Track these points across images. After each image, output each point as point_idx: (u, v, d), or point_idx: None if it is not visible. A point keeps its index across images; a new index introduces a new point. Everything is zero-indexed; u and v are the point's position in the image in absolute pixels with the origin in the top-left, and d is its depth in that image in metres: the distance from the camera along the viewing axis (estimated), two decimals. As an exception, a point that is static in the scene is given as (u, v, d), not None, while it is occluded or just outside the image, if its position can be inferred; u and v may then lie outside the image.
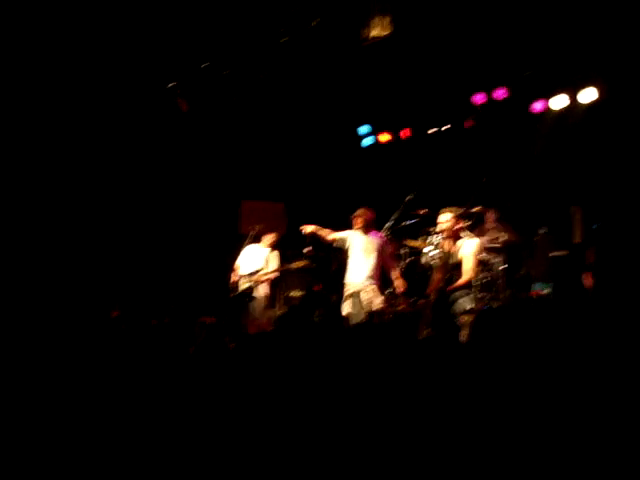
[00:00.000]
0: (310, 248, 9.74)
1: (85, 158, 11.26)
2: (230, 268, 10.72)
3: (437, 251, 8.98)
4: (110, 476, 3.00)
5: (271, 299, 10.92)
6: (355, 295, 8.89)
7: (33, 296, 9.30)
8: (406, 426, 2.89)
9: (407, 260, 10.43)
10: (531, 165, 10.56)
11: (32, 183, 10.81)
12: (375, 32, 8.57)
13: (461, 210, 8.72)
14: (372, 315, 8.45)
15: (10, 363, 3.92)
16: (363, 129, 12.25)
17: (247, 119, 11.80)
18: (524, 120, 10.34)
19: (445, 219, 8.19)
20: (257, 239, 10.74)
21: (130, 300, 10.31)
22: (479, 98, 10.42)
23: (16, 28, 9.63)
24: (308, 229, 9.06)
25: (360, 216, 8.98)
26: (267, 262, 10.57)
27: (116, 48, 10.30)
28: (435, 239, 9.81)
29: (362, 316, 8.77)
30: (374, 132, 12.20)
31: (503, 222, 10.79)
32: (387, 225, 9.77)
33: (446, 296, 8.01)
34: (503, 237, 10.36)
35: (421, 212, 10.35)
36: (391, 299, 9.90)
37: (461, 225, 8.40)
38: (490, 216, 10.83)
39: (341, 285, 9.29)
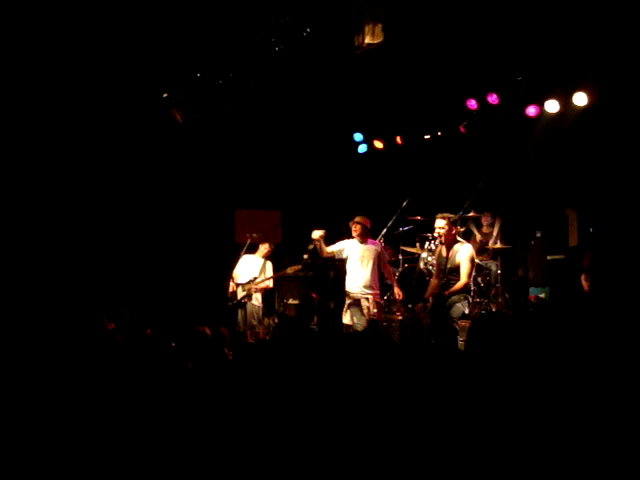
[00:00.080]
0: (307, 256, 9.72)
1: (80, 169, 11.25)
2: (226, 277, 10.72)
3: (434, 257, 9.01)
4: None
5: (268, 308, 10.93)
6: (355, 304, 8.90)
7: (26, 307, 9.27)
8: (404, 433, 2.89)
9: (404, 266, 10.45)
10: (526, 169, 10.58)
11: (26, 189, 10.80)
12: (367, 40, 8.59)
13: (457, 216, 8.77)
14: (372, 322, 8.48)
15: (6, 373, 3.91)
16: (357, 136, 12.27)
17: (241, 128, 11.80)
18: (518, 124, 10.35)
19: (441, 225, 8.22)
20: (253, 248, 10.75)
21: (126, 310, 10.28)
22: (473, 103, 10.44)
23: (11, 39, 9.65)
24: (318, 234, 9.01)
25: (358, 223, 9.00)
26: (262, 272, 10.60)
27: (110, 59, 10.31)
28: (432, 245, 9.85)
29: (363, 324, 8.79)
30: (368, 139, 12.21)
31: (497, 227, 10.81)
32: (383, 231, 9.80)
33: (443, 301, 8.04)
34: (498, 242, 10.40)
35: (417, 218, 10.38)
36: (389, 306, 9.93)
37: (456, 230, 8.44)
38: (485, 221, 10.87)
39: (338, 293, 9.29)
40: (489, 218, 10.88)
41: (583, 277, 9.39)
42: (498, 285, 10.00)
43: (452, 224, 8.32)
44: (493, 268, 10.21)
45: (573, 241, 10.51)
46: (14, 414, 3.43)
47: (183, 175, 12.22)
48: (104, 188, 11.51)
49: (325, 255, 9.08)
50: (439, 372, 3.28)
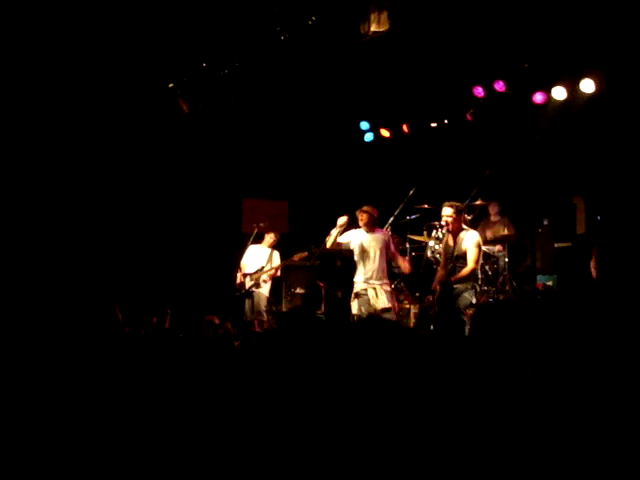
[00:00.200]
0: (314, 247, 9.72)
1: (87, 159, 11.27)
2: (233, 267, 10.75)
3: (441, 245, 8.98)
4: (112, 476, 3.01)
5: (275, 297, 10.95)
6: (362, 294, 8.88)
7: (35, 298, 9.31)
8: (409, 422, 2.89)
9: (411, 255, 10.44)
10: (533, 157, 10.54)
11: (35, 181, 10.84)
12: (373, 28, 8.56)
13: (463, 204, 8.74)
14: (377, 312, 8.44)
15: (12, 366, 3.92)
16: (364, 125, 12.25)
17: (248, 118, 11.79)
18: (525, 112, 10.32)
19: (448, 213, 8.20)
20: (259, 238, 10.77)
21: (133, 300, 10.32)
22: (479, 91, 10.41)
23: (17, 27, 9.64)
24: (343, 219, 8.95)
25: (366, 212, 8.93)
26: (269, 261, 10.62)
27: (116, 50, 10.31)
28: (439, 233, 9.83)
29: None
30: (375, 128, 12.19)
31: (505, 215, 10.79)
32: (390, 220, 9.78)
33: (450, 289, 8.02)
34: (504, 230, 10.37)
35: (424, 207, 10.36)
36: (396, 295, 9.92)
37: (463, 218, 8.42)
38: (492, 209, 10.84)
39: (346, 282, 9.28)
40: (496, 207, 10.85)
41: (592, 265, 9.33)
42: (505, 273, 9.98)
43: (459, 212, 8.29)
44: (500, 256, 10.18)
45: (581, 229, 10.48)
46: (19, 403, 3.44)
47: (189, 165, 12.22)
48: (111, 178, 11.53)
49: (334, 246, 9.03)
50: (443, 360, 3.27)
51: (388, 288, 8.89)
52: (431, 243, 9.98)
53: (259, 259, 10.66)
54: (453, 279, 8.04)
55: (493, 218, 10.89)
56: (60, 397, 3.50)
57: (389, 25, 8.59)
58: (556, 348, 3.45)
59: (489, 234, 10.38)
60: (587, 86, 9.41)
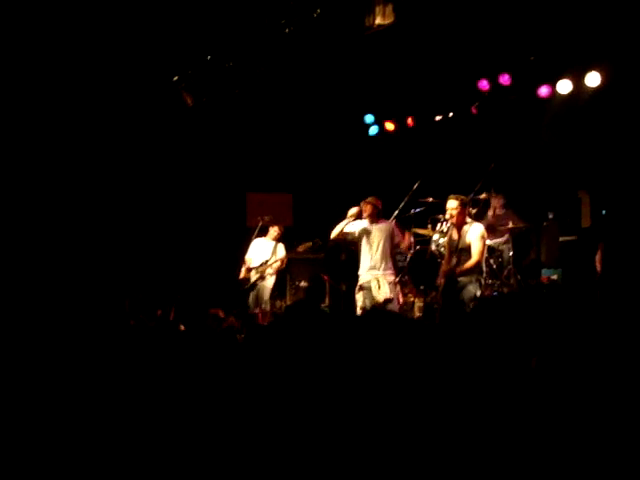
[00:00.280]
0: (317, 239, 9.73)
1: (92, 154, 11.28)
2: (238, 260, 10.75)
3: (445, 239, 8.96)
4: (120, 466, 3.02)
5: (279, 289, 10.97)
6: (366, 287, 8.86)
7: (40, 289, 9.34)
8: (412, 415, 2.90)
9: (416, 248, 10.43)
10: (538, 150, 10.52)
11: (41, 171, 10.86)
12: (378, 21, 8.55)
13: (468, 197, 8.73)
14: (379, 304, 8.42)
15: (15, 359, 3.94)
16: (368, 118, 12.24)
17: (252, 111, 11.79)
18: (530, 105, 10.29)
19: (453, 205, 8.19)
20: (264, 231, 10.77)
21: (138, 294, 10.36)
22: (484, 84, 10.39)
23: (22, 12, 9.65)
24: (354, 210, 8.94)
25: (369, 203, 8.92)
26: (273, 254, 10.61)
27: (121, 43, 10.30)
28: (443, 227, 9.82)
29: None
30: (379, 121, 12.18)
31: (510, 208, 10.77)
32: (395, 213, 9.75)
33: (455, 282, 8.01)
34: (510, 223, 10.35)
35: (429, 200, 10.34)
36: (401, 288, 9.91)
37: (468, 211, 8.40)
38: (497, 202, 10.82)
39: (350, 275, 9.28)
40: (501, 200, 10.83)
41: (597, 259, 9.29)
42: (510, 267, 9.96)
43: (464, 205, 8.27)
44: (505, 250, 10.17)
45: (586, 223, 10.46)
46: (24, 395, 3.45)
47: (194, 159, 12.23)
48: (116, 172, 11.55)
49: (340, 236, 9.03)
50: (447, 353, 3.28)
51: (392, 278, 8.84)
52: (435, 237, 9.96)
53: (264, 252, 10.66)
54: (458, 270, 8.03)
55: (498, 211, 10.87)
56: (63, 390, 3.51)
57: (394, 18, 8.57)
58: (560, 342, 3.44)
59: (494, 227, 10.38)
60: (592, 80, 9.39)
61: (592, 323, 3.69)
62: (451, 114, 11.11)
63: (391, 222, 9.13)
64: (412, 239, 10.40)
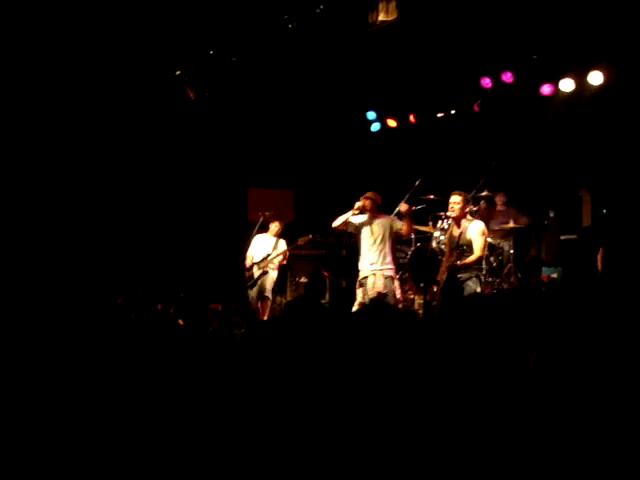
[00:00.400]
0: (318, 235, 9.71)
1: (94, 148, 11.29)
2: (239, 255, 10.76)
3: (446, 236, 8.95)
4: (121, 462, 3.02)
5: (280, 285, 10.98)
6: (364, 282, 8.85)
7: (38, 285, 9.34)
8: (410, 413, 2.90)
9: (416, 245, 10.42)
10: (540, 148, 10.52)
11: (43, 166, 10.87)
12: (381, 17, 8.54)
13: (470, 194, 8.73)
14: (374, 299, 8.40)
15: (14, 354, 3.94)
16: (371, 115, 12.24)
17: (254, 106, 11.78)
18: (533, 103, 10.29)
19: (456, 200, 8.20)
20: (264, 227, 10.79)
21: (139, 287, 10.37)
22: (487, 82, 10.38)
23: (23, 8, 9.65)
24: (360, 203, 8.91)
25: (369, 198, 8.90)
26: (275, 249, 10.63)
27: (124, 38, 10.30)
28: (444, 224, 9.82)
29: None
30: (381, 117, 12.18)
31: (512, 206, 10.78)
32: (396, 210, 9.74)
33: (455, 278, 8.01)
34: (512, 221, 10.36)
35: (430, 197, 10.34)
36: (401, 285, 9.90)
37: (469, 208, 8.40)
38: (499, 200, 10.83)
39: (351, 271, 9.28)
40: (503, 197, 10.84)
41: (599, 257, 9.28)
42: (510, 265, 9.97)
43: (466, 202, 8.28)
44: (506, 247, 10.17)
45: (586, 221, 10.46)
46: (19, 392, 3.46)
47: (195, 154, 12.23)
48: (118, 167, 11.55)
49: (341, 226, 9.01)
50: (446, 348, 3.28)
51: (390, 273, 8.78)
52: (436, 234, 9.97)
53: (265, 248, 10.67)
54: (459, 264, 8.03)
55: (499, 208, 10.88)
56: (63, 384, 3.51)
57: (397, 14, 8.56)
58: (559, 340, 3.45)
59: (495, 224, 10.39)
60: (595, 78, 9.38)
61: (592, 322, 3.69)
62: (453, 111, 11.10)
63: (392, 216, 9.07)
64: (413, 236, 10.40)
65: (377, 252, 8.77)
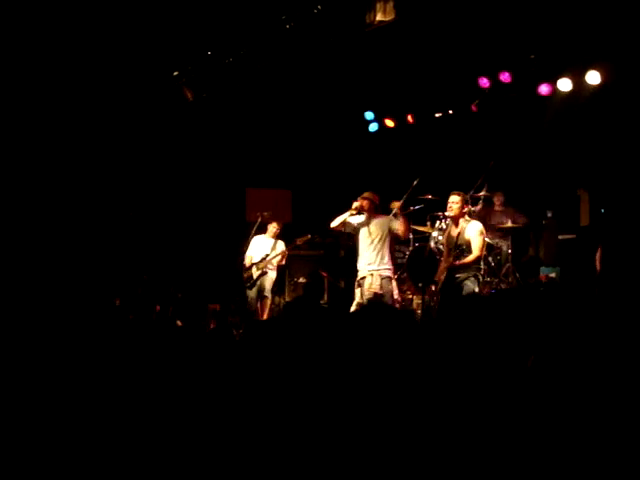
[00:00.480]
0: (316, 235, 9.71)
1: (91, 149, 11.29)
2: (237, 256, 10.77)
3: (444, 236, 8.96)
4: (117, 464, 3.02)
5: (278, 286, 10.99)
6: (361, 283, 8.85)
7: (37, 287, 9.33)
8: (409, 414, 2.90)
9: (415, 245, 10.43)
10: (538, 148, 10.52)
11: (39, 167, 10.87)
12: (379, 17, 8.54)
13: (468, 194, 8.74)
14: (370, 299, 8.39)
15: (12, 355, 3.94)
16: (368, 115, 12.24)
17: (252, 107, 11.78)
18: (530, 103, 10.29)
19: (455, 200, 8.21)
20: (262, 228, 10.79)
21: (137, 287, 10.37)
22: (485, 81, 10.39)
23: (21, 8, 9.65)
24: (357, 204, 8.89)
25: (366, 198, 8.90)
26: (273, 250, 10.64)
27: (121, 38, 10.30)
28: (442, 224, 9.82)
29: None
30: (379, 118, 12.18)
31: (510, 206, 10.78)
32: (394, 211, 9.73)
33: (454, 278, 8.02)
34: (510, 221, 10.36)
35: (428, 197, 10.35)
36: (399, 285, 9.91)
37: (468, 209, 8.41)
38: (497, 199, 10.83)
39: (349, 271, 9.28)
40: (501, 197, 10.85)
41: (597, 257, 9.28)
42: (509, 264, 9.97)
43: (465, 202, 8.29)
44: (504, 247, 10.17)
45: (584, 221, 10.47)
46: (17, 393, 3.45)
47: (193, 154, 12.23)
48: (115, 167, 11.55)
49: (339, 227, 9.01)
50: (444, 348, 3.28)
51: (388, 274, 8.78)
52: (434, 234, 9.97)
53: (264, 249, 10.69)
54: (457, 263, 8.05)
55: (497, 208, 10.89)
56: (62, 385, 3.51)
57: (395, 14, 8.56)
58: (558, 340, 3.45)
59: (494, 223, 10.40)
60: (593, 78, 9.39)
61: (590, 321, 3.69)
62: (451, 111, 11.11)
63: (389, 217, 9.05)
64: (411, 236, 10.41)
65: (375, 252, 8.77)
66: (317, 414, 2.99)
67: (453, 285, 7.99)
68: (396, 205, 8.82)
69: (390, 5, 8.52)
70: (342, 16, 9.22)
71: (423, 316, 8.86)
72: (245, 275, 10.58)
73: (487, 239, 8.84)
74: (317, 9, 9.22)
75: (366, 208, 8.86)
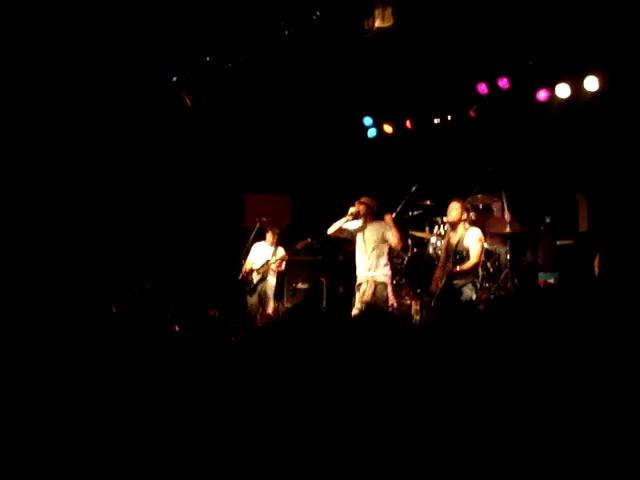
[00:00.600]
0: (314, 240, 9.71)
1: (90, 154, 11.29)
2: (236, 261, 10.77)
3: (442, 242, 8.97)
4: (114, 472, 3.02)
5: (277, 292, 10.99)
6: (359, 288, 8.84)
7: (35, 290, 9.32)
8: (407, 417, 2.90)
9: (413, 251, 10.43)
10: (536, 154, 10.52)
11: (38, 172, 10.87)
12: (377, 23, 8.56)
13: (466, 200, 8.74)
14: (369, 305, 8.39)
15: (9, 360, 3.93)
16: (367, 120, 12.25)
17: (251, 112, 11.80)
18: (529, 109, 10.30)
19: (455, 206, 8.22)
20: (261, 234, 10.79)
21: (136, 294, 10.35)
22: (483, 87, 10.40)
23: (20, 14, 9.66)
24: (353, 209, 8.86)
25: (364, 203, 8.88)
26: (274, 256, 10.63)
27: (120, 44, 10.31)
28: (441, 230, 9.83)
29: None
30: (378, 123, 12.19)
31: (508, 211, 10.78)
32: (392, 216, 9.73)
33: (450, 284, 8.02)
34: (508, 226, 10.36)
35: (426, 203, 10.35)
36: (397, 291, 9.91)
37: (467, 216, 8.41)
38: (495, 205, 10.82)
39: (348, 277, 9.27)
40: (499, 203, 10.84)
41: (596, 262, 9.29)
42: (507, 270, 9.97)
43: (465, 209, 8.30)
44: (502, 253, 10.17)
45: (583, 226, 10.46)
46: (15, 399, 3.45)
47: (192, 160, 12.23)
48: (114, 173, 11.55)
49: (336, 233, 8.98)
50: (442, 355, 3.28)
51: (383, 279, 8.74)
52: (433, 239, 9.98)
53: (265, 255, 10.69)
54: (454, 270, 8.05)
55: (496, 214, 10.88)
56: (61, 388, 3.51)
57: (393, 21, 8.58)
58: (557, 345, 3.45)
59: (492, 230, 10.39)
60: (591, 84, 9.41)
61: (589, 327, 3.70)
62: (449, 117, 11.12)
63: (386, 222, 9.01)
64: (409, 242, 10.41)
65: (372, 258, 8.76)
66: (316, 419, 2.99)
67: (451, 292, 8.00)
68: (387, 218, 8.78)
69: (389, 11, 8.55)
70: (341, 22, 9.24)
71: (421, 322, 8.85)
72: (245, 279, 10.58)
73: (486, 245, 8.85)
74: (316, 15, 9.24)
75: (362, 213, 8.83)
